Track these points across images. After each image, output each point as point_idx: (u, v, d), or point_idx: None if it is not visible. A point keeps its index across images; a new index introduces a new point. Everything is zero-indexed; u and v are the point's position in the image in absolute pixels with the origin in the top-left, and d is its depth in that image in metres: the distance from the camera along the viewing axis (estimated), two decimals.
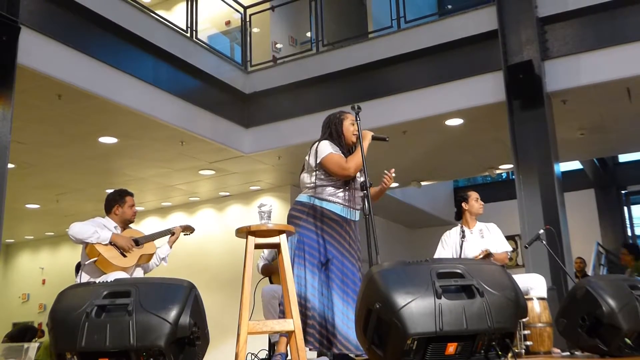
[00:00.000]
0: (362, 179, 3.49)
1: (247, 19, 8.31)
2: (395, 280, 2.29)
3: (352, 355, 3.28)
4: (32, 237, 12.14)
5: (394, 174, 3.57)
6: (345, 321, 3.25)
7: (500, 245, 4.56)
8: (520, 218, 5.98)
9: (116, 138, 7.01)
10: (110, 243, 4.02)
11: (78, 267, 4.41)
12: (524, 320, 3.75)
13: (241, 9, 8.33)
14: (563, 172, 6.83)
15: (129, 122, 6.57)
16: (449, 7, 10.08)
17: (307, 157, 3.54)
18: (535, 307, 4.06)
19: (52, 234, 11.77)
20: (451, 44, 6.69)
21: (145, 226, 9.80)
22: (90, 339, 2.33)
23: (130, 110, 6.26)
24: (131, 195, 4.35)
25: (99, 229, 4.02)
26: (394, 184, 9.71)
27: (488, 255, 4.30)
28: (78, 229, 3.96)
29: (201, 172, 8.48)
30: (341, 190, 3.45)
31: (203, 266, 9.36)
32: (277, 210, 8.23)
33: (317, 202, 3.42)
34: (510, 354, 2.35)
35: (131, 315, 2.35)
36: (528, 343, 3.95)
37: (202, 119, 7.17)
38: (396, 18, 7.33)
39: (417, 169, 9.09)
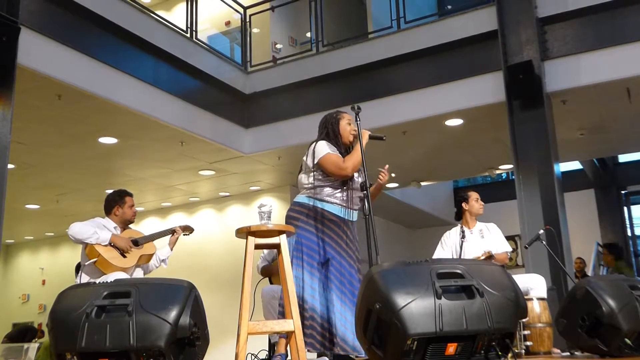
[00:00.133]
0: (360, 179, 3.50)
1: (247, 19, 8.31)
2: (395, 281, 2.29)
3: (352, 356, 3.28)
4: (32, 237, 12.14)
5: (389, 171, 3.57)
6: (342, 322, 3.25)
7: (500, 246, 4.56)
8: (520, 218, 5.98)
9: (116, 138, 7.01)
10: (110, 244, 4.02)
11: (78, 268, 4.41)
12: (524, 320, 3.75)
13: (241, 9, 8.33)
14: (563, 172, 6.83)
15: (128, 123, 6.57)
16: (449, 7, 10.08)
17: (304, 158, 3.54)
18: (535, 308, 4.06)
19: (52, 234, 11.77)
20: (451, 44, 6.69)
21: (145, 226, 9.80)
22: (90, 340, 2.33)
23: (130, 110, 6.26)
24: (130, 195, 4.35)
25: (98, 230, 4.02)
26: (394, 184, 9.72)
27: (490, 257, 4.30)
28: (78, 229, 3.96)
29: (201, 172, 8.48)
30: (339, 190, 3.44)
31: (203, 266, 9.36)
32: (277, 211, 8.19)
33: (315, 203, 3.41)
34: (510, 354, 2.35)
35: (131, 315, 2.35)
36: (528, 343, 3.95)
37: (202, 119, 7.17)
38: (396, 18, 7.33)
39: (417, 169, 9.09)
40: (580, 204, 10.97)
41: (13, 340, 8.05)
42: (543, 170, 6.04)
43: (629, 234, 12.07)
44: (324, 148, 3.44)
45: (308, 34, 8.89)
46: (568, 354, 3.78)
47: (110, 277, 3.75)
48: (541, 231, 4.67)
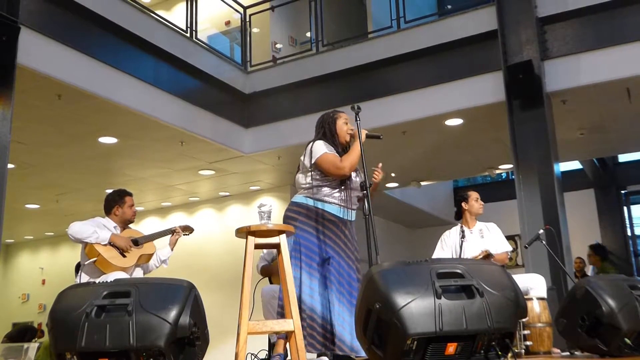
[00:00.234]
0: (358, 179, 3.50)
1: (247, 19, 8.31)
2: (395, 281, 2.29)
3: (352, 356, 3.28)
4: (31, 237, 12.14)
5: (384, 170, 3.57)
6: (340, 322, 3.25)
7: (500, 245, 4.57)
8: (520, 218, 5.98)
9: (116, 138, 7.01)
10: (110, 243, 4.02)
11: (78, 267, 4.41)
12: (523, 320, 3.75)
13: (241, 9, 8.33)
14: (563, 172, 6.83)
15: (128, 122, 6.57)
16: (449, 7, 10.07)
17: (302, 158, 3.53)
18: (535, 307, 4.06)
19: (52, 234, 11.77)
20: (451, 44, 6.69)
21: (145, 226, 9.80)
22: (90, 339, 2.33)
23: (130, 110, 6.26)
24: (130, 195, 4.35)
25: (98, 229, 4.02)
26: (394, 184, 9.72)
27: (488, 255, 4.30)
28: (77, 228, 3.96)
29: (201, 172, 8.48)
30: (337, 190, 3.44)
31: (203, 266, 9.36)
32: (277, 211, 8.16)
33: (313, 203, 3.41)
34: (510, 354, 2.35)
35: (131, 315, 2.35)
36: (528, 343, 3.95)
37: (202, 119, 7.17)
38: (396, 18, 7.33)
39: (417, 169, 9.09)
40: (580, 203, 10.97)
41: (13, 340, 8.05)
42: (543, 170, 6.04)
43: (629, 233, 12.06)
44: (321, 148, 3.44)
45: (308, 34, 8.89)
46: (568, 353, 3.78)
47: (110, 276, 3.75)
48: (541, 231, 4.67)
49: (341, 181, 3.45)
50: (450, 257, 4.57)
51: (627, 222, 12.10)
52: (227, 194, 9.71)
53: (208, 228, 9.64)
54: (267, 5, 8.56)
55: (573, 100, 6.43)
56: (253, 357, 4.45)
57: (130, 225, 4.38)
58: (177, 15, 8.16)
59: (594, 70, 6.02)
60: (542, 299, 4.16)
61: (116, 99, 6.06)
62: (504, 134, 6.59)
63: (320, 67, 7.45)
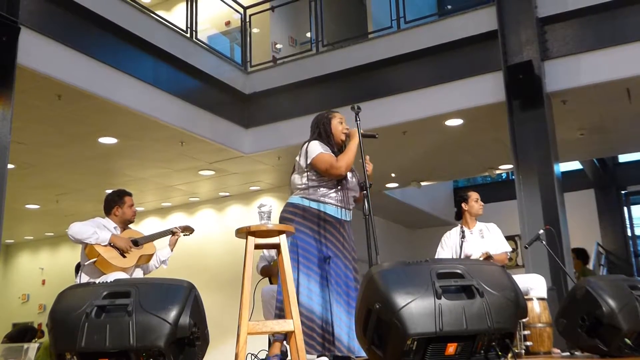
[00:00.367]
0: (354, 179, 3.50)
1: (247, 20, 8.31)
2: (395, 281, 2.29)
3: (352, 356, 3.28)
4: (31, 237, 12.14)
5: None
6: (337, 322, 3.24)
7: (500, 246, 4.57)
8: (520, 218, 5.98)
9: (116, 138, 7.01)
10: (110, 244, 4.02)
11: (78, 268, 4.41)
12: (523, 320, 3.75)
13: (241, 10, 8.33)
14: (563, 172, 6.83)
15: (128, 123, 6.57)
16: (449, 7, 10.08)
17: (297, 158, 3.52)
18: (535, 308, 4.06)
19: (52, 234, 11.77)
20: (451, 44, 6.69)
21: (145, 226, 9.79)
22: (90, 340, 2.33)
23: (130, 110, 6.26)
24: (130, 195, 4.35)
25: (98, 230, 4.02)
26: (394, 184, 9.72)
27: (488, 258, 4.30)
28: (77, 229, 3.96)
29: (201, 172, 8.48)
30: (333, 190, 3.43)
31: (203, 266, 9.36)
32: (277, 211, 8.20)
33: (309, 203, 3.40)
34: (510, 354, 2.35)
35: (131, 315, 2.35)
36: (528, 343, 3.94)
37: (202, 120, 7.17)
38: (396, 18, 7.33)
39: (417, 169, 9.09)
40: (580, 204, 10.97)
41: (13, 340, 8.05)
42: (543, 170, 6.04)
43: (629, 234, 12.07)
44: (316, 148, 3.43)
45: (308, 34, 8.89)
46: (568, 354, 3.77)
47: (110, 277, 3.75)
48: (541, 231, 4.67)
49: (337, 181, 3.44)
50: (451, 257, 4.56)
51: (627, 222, 12.11)
52: (227, 194, 9.71)
53: (208, 228, 9.64)
54: (267, 5, 8.56)
55: (573, 100, 6.43)
56: (253, 357, 4.44)
57: (130, 226, 4.38)
58: (177, 16, 8.16)
59: (594, 70, 6.02)
60: (542, 299, 4.16)
61: (116, 99, 6.06)
62: (504, 134, 6.59)
63: (320, 67, 7.45)
